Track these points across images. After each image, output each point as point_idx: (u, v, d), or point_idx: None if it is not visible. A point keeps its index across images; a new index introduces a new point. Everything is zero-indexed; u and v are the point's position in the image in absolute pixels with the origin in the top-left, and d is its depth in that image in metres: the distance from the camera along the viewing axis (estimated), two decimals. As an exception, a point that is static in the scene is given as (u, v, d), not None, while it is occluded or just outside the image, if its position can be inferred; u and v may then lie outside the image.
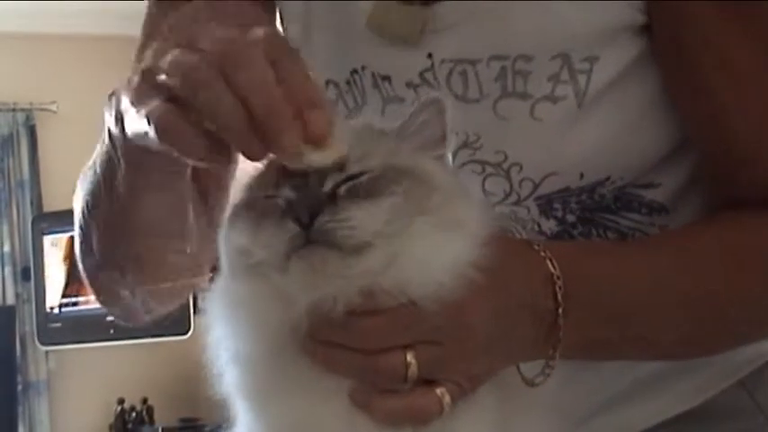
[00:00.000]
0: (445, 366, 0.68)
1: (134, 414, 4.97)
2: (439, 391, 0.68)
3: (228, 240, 0.71)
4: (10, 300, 5.00)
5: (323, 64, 0.92)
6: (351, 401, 0.68)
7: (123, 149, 0.75)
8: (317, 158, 0.65)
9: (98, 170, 0.82)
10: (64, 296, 4.69)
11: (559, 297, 0.72)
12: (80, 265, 0.93)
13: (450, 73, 0.88)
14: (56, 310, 4.73)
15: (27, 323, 4.97)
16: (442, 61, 0.88)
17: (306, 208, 0.64)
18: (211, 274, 0.79)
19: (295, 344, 0.68)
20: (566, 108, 0.84)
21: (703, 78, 0.83)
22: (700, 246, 0.82)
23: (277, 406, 0.70)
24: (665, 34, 0.83)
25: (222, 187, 0.92)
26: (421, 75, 0.89)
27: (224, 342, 0.71)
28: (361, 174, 0.67)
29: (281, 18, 0.98)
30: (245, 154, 0.64)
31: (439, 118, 0.71)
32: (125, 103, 0.68)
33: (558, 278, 0.72)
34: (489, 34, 0.86)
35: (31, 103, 5.17)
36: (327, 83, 0.93)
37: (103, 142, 0.79)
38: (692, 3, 0.81)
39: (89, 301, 4.20)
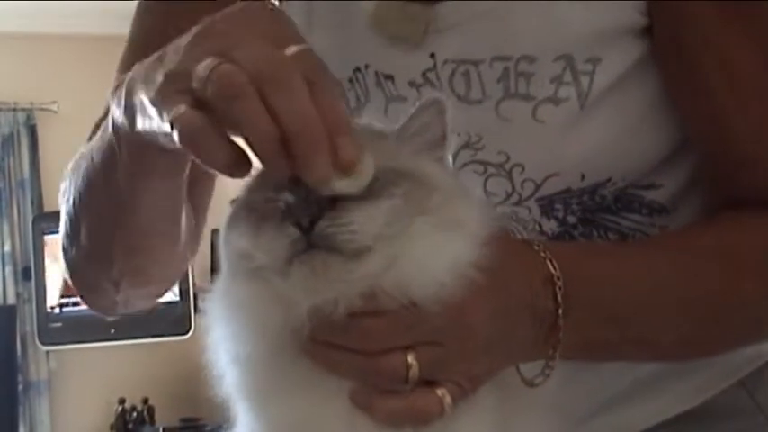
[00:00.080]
0: (446, 367, 0.68)
1: (135, 414, 4.97)
2: (440, 391, 0.68)
3: (228, 243, 0.71)
4: (11, 299, 5.00)
5: (325, 62, 0.93)
6: (351, 402, 0.68)
7: (127, 141, 0.74)
8: (345, 185, 0.65)
9: (95, 160, 0.82)
10: (64, 296, 4.70)
11: (559, 297, 0.72)
12: (63, 255, 0.92)
13: (453, 74, 0.88)
14: (56, 310, 4.73)
15: (28, 323, 4.97)
16: (445, 62, 0.88)
17: (306, 212, 0.64)
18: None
19: (295, 345, 0.68)
20: (568, 110, 0.84)
21: (703, 78, 0.83)
22: (699, 247, 0.82)
23: (277, 406, 0.70)
24: (666, 35, 0.83)
25: (207, 184, 0.92)
26: (424, 74, 0.89)
27: (224, 343, 0.71)
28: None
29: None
30: (269, 169, 0.63)
31: (439, 119, 0.71)
32: (143, 98, 0.67)
33: (559, 279, 0.72)
34: (492, 35, 0.86)
35: (31, 103, 5.17)
36: None
37: (104, 132, 0.79)
38: (692, 3, 0.81)
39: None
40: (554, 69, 0.84)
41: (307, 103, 0.61)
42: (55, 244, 4.47)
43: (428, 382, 0.68)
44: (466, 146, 0.87)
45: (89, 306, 0.98)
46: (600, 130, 0.85)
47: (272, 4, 0.68)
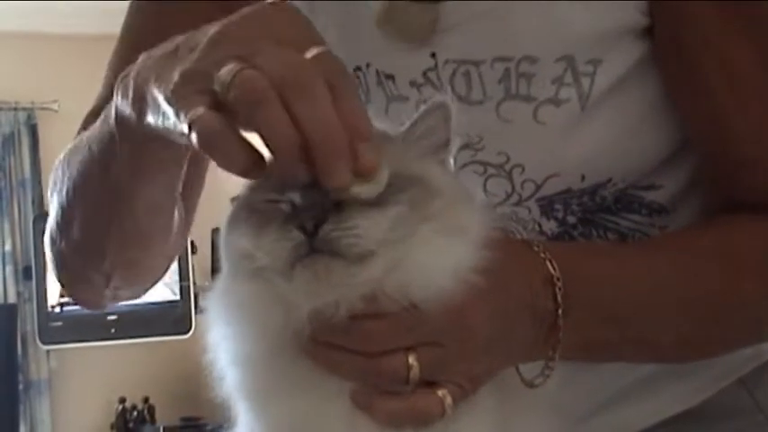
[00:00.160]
0: (446, 368, 0.68)
1: (135, 413, 4.97)
2: (440, 392, 0.68)
3: (229, 242, 0.71)
4: (11, 299, 5.00)
5: None
6: (352, 403, 0.68)
7: (131, 133, 0.74)
8: (364, 191, 0.65)
9: (94, 149, 0.81)
10: (65, 295, 4.70)
11: (559, 298, 0.72)
12: (50, 246, 0.92)
13: (454, 74, 0.88)
14: (57, 310, 4.73)
15: (28, 322, 4.97)
16: (446, 62, 0.88)
17: (311, 216, 0.64)
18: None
19: (296, 345, 0.68)
20: (569, 111, 0.84)
21: (703, 78, 0.83)
22: (699, 247, 0.82)
23: (278, 407, 0.70)
24: (666, 35, 0.83)
25: (198, 179, 0.92)
26: (424, 74, 0.89)
27: (224, 342, 0.71)
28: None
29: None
30: (286, 173, 0.63)
31: (445, 122, 0.71)
32: (156, 94, 0.67)
33: (558, 279, 0.72)
34: (493, 35, 0.86)
35: (32, 102, 5.17)
36: None
37: (104, 123, 0.78)
38: (692, 3, 0.81)
39: (90, 301, 4.19)
40: (555, 70, 0.84)
41: (328, 109, 0.61)
42: (55, 243, 4.47)
43: (429, 383, 0.68)
44: (466, 146, 0.87)
45: (75, 299, 0.98)
46: (600, 131, 0.85)
47: (290, 4, 0.68)
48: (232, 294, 0.70)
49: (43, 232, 0.93)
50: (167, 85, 0.65)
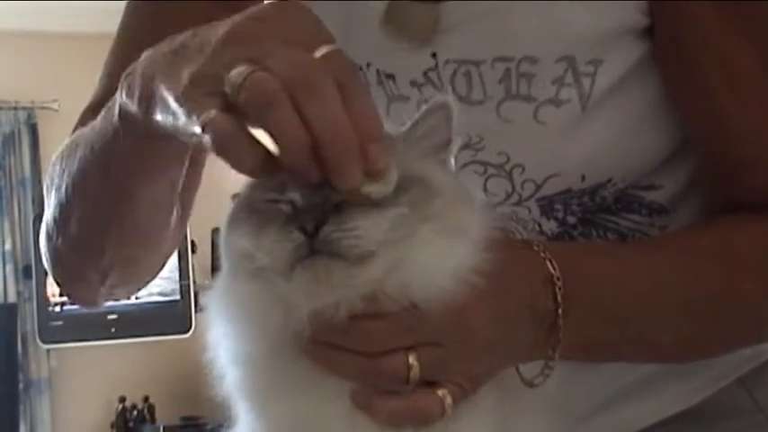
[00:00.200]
0: (447, 368, 0.68)
1: (135, 412, 4.97)
2: (440, 392, 0.68)
3: (229, 242, 0.71)
4: (11, 298, 5.00)
5: None
6: (352, 402, 0.68)
7: (136, 130, 0.74)
8: (375, 190, 0.65)
9: (95, 148, 0.81)
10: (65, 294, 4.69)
11: (559, 298, 0.72)
12: (46, 242, 0.92)
13: (455, 73, 0.88)
14: (57, 309, 4.73)
15: (28, 321, 4.97)
16: (447, 61, 0.88)
17: (311, 217, 0.64)
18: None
19: (296, 345, 0.68)
20: (569, 111, 0.84)
21: (703, 78, 0.83)
22: (699, 247, 0.82)
23: (278, 406, 0.70)
24: (666, 35, 0.83)
25: (195, 176, 0.92)
26: (425, 74, 0.89)
27: (225, 341, 0.71)
28: None
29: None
30: (295, 173, 0.63)
31: (446, 123, 0.71)
32: (165, 94, 0.67)
33: (558, 279, 0.72)
34: (493, 35, 0.86)
35: (32, 102, 5.17)
36: None
37: (106, 121, 0.78)
38: (692, 3, 0.81)
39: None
40: (556, 71, 0.84)
41: (339, 110, 0.61)
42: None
43: (429, 383, 0.68)
44: (466, 146, 0.87)
45: (69, 296, 0.98)
46: (601, 131, 0.85)
47: (299, 2, 0.68)
48: (232, 293, 0.70)
49: (43, 231, 0.93)
50: (177, 86, 0.66)
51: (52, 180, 0.89)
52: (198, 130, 0.63)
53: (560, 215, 0.89)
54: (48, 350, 5.00)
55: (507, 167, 0.87)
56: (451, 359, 0.68)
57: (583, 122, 0.85)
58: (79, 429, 5.06)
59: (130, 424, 4.96)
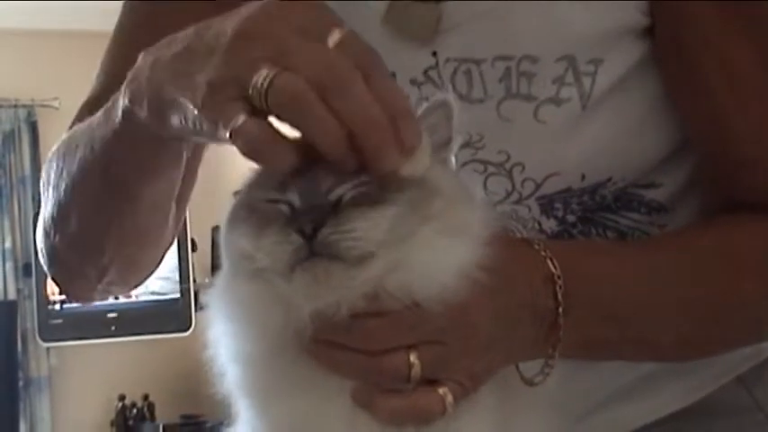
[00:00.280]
0: (448, 366, 0.68)
1: (135, 410, 4.98)
2: (441, 390, 0.68)
3: (230, 241, 0.70)
4: (11, 296, 5.01)
5: None
6: (353, 401, 0.68)
7: (139, 133, 0.73)
8: (410, 169, 0.66)
9: (95, 148, 0.81)
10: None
11: (560, 296, 0.72)
12: (43, 239, 0.92)
13: (455, 72, 0.88)
14: (57, 307, 4.73)
15: (28, 319, 4.97)
16: (447, 60, 0.88)
17: (309, 219, 0.64)
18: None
19: (297, 344, 0.67)
20: (569, 110, 0.84)
21: (703, 78, 0.83)
22: (700, 247, 0.82)
23: (278, 405, 0.70)
24: (666, 35, 0.83)
25: (193, 170, 0.92)
26: (425, 72, 0.89)
27: (225, 339, 0.71)
28: (369, 181, 0.65)
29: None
30: (336, 164, 0.64)
31: (447, 121, 0.71)
32: (180, 99, 0.66)
33: (559, 277, 0.73)
34: (493, 34, 0.86)
35: (32, 100, 5.17)
36: None
37: (109, 121, 0.78)
38: (692, 3, 0.81)
39: (90, 298, 4.20)
40: (556, 70, 0.84)
41: (368, 99, 0.62)
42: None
43: (430, 381, 0.68)
44: (466, 145, 0.87)
45: (66, 293, 0.98)
46: (601, 130, 0.85)
47: None
48: (232, 292, 0.70)
49: (44, 230, 0.93)
50: (195, 93, 0.65)
51: (49, 178, 0.89)
52: (225, 135, 0.63)
53: (560, 214, 0.89)
54: (47, 348, 5.00)
55: (507, 166, 0.87)
56: (453, 357, 0.68)
57: (583, 122, 0.85)
58: (79, 427, 5.06)
59: (130, 422, 4.96)
